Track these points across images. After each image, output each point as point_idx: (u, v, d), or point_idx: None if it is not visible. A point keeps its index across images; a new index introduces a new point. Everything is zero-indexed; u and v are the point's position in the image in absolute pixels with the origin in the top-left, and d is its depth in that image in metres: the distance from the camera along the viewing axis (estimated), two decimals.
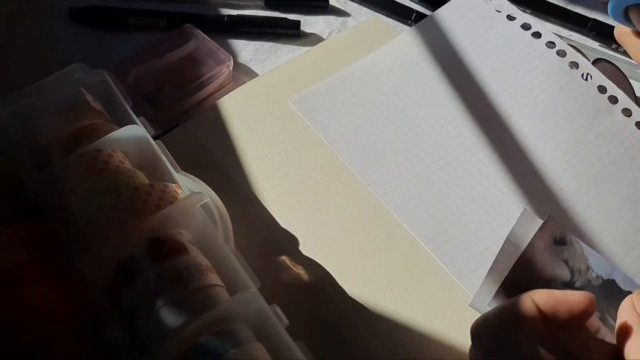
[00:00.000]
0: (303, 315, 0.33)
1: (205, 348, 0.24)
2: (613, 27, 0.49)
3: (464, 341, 0.29)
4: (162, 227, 0.28)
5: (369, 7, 0.51)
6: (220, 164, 0.40)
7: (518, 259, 0.27)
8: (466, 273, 0.35)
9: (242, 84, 0.44)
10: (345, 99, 0.43)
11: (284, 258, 0.36)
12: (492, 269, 0.27)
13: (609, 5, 0.32)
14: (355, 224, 0.37)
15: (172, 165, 0.33)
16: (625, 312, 0.25)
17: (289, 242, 0.36)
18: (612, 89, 0.42)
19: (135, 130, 0.33)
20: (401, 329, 0.33)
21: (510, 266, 0.26)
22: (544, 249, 0.27)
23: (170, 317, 0.25)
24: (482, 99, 0.43)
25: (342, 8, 0.51)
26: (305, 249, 0.36)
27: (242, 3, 0.51)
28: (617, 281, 0.28)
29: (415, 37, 0.46)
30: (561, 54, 0.44)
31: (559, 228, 0.28)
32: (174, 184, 0.31)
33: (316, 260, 0.35)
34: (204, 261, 0.28)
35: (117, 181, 0.30)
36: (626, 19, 0.33)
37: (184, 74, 0.44)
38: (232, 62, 0.44)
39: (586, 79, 0.42)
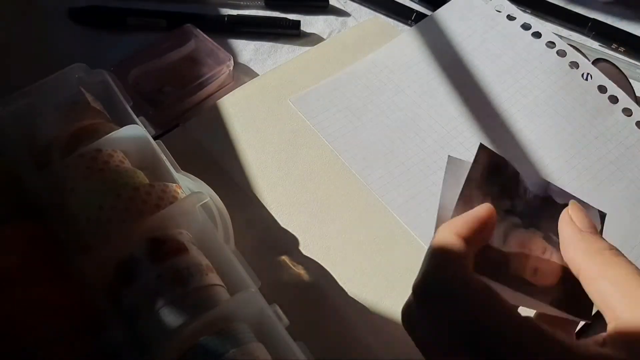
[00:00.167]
0: (303, 315, 0.33)
1: (206, 348, 0.24)
2: (613, 27, 0.49)
3: None
4: (162, 227, 0.28)
5: (369, 7, 0.51)
6: (220, 164, 0.40)
7: (459, 196, 0.25)
8: None
9: (242, 84, 0.44)
10: (345, 99, 0.43)
11: (284, 258, 0.36)
12: (439, 216, 0.26)
13: None
14: (355, 224, 0.37)
15: (172, 165, 0.33)
16: (564, 227, 0.25)
17: (289, 242, 0.36)
18: (613, 88, 0.42)
19: (135, 130, 0.33)
20: (401, 329, 0.33)
21: (454, 206, 0.25)
22: (480, 181, 0.26)
23: (170, 317, 0.25)
24: (482, 99, 0.43)
25: (342, 8, 0.51)
26: (305, 249, 0.36)
27: (242, 3, 0.51)
28: (553, 197, 0.28)
29: (416, 37, 0.46)
30: (561, 53, 0.44)
31: (491, 156, 0.27)
32: (174, 184, 0.31)
33: (316, 260, 0.35)
34: (204, 261, 0.28)
35: (117, 181, 0.30)
36: None
37: (184, 74, 0.44)
38: (232, 62, 0.44)
39: (586, 79, 0.43)
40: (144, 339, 0.26)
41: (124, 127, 0.32)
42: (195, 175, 0.35)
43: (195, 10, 0.49)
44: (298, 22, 0.48)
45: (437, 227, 0.25)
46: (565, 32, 0.49)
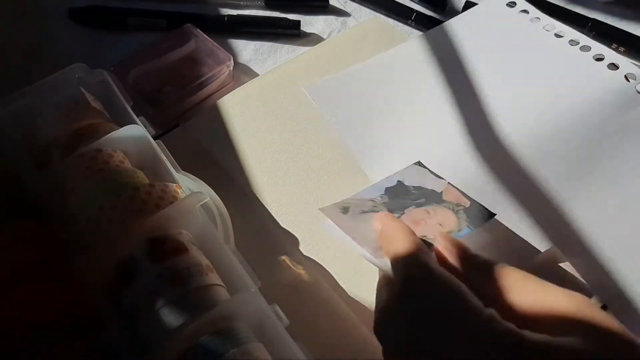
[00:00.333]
0: (303, 315, 0.33)
1: (205, 348, 0.24)
2: (613, 27, 0.49)
3: None
4: (162, 227, 0.28)
5: (369, 7, 0.51)
6: (220, 164, 0.40)
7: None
8: None
9: (242, 84, 0.44)
10: (359, 92, 0.43)
11: (284, 258, 0.35)
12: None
13: None
14: None
15: (172, 165, 0.33)
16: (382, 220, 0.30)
17: (289, 242, 0.36)
18: None
19: (136, 130, 0.33)
20: None
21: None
22: (347, 221, 0.31)
23: (170, 317, 0.25)
24: (499, 108, 0.42)
25: (342, 8, 0.51)
26: (305, 249, 0.36)
27: (242, 3, 0.51)
28: (404, 182, 0.35)
29: (429, 41, 0.46)
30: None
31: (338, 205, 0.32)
32: (174, 184, 0.31)
33: (316, 260, 0.35)
34: (204, 261, 0.28)
35: (117, 181, 0.30)
36: None
37: (184, 74, 0.44)
38: (232, 62, 0.44)
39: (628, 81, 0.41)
40: (144, 339, 0.26)
41: (124, 127, 0.32)
42: (195, 175, 0.35)
43: (195, 10, 0.49)
44: (298, 22, 0.48)
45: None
46: None
